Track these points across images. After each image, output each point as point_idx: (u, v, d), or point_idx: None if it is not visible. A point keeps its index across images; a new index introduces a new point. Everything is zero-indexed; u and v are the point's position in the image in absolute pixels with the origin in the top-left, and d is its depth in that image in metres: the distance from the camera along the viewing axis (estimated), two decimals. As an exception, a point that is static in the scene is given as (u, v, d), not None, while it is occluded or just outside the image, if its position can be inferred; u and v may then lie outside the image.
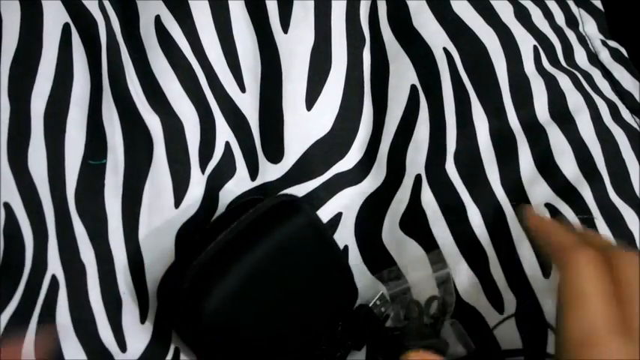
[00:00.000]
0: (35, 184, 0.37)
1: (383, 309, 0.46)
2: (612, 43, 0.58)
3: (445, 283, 0.46)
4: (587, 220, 0.45)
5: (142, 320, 0.42)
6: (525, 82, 0.49)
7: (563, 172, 0.47)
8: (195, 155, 0.45)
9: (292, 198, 0.44)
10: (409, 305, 0.45)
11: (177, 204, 0.44)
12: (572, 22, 0.57)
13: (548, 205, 0.46)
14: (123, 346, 0.40)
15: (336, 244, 0.46)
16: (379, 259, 0.49)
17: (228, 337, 0.38)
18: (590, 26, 0.58)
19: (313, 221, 0.44)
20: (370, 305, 0.46)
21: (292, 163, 0.49)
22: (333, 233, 0.50)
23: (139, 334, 0.41)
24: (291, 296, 0.41)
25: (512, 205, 0.46)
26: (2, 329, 0.34)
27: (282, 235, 0.41)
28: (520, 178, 0.47)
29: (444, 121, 0.49)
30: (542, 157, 0.47)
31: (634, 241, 0.45)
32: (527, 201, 0.47)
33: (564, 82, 0.50)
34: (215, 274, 0.38)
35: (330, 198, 0.50)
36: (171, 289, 0.38)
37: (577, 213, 0.46)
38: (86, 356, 0.38)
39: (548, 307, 0.44)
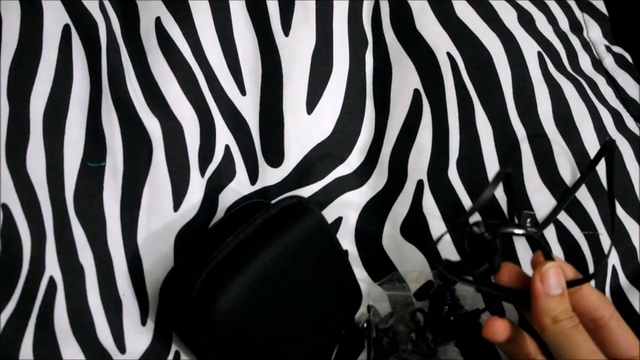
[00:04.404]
0: (34, 186, 0.37)
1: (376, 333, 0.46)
2: (616, 49, 0.57)
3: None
4: (592, 237, 0.45)
5: (143, 322, 0.41)
6: (529, 88, 0.48)
7: (568, 184, 0.46)
8: (194, 158, 0.45)
9: (301, 199, 0.44)
10: (411, 318, 0.45)
11: (176, 207, 0.44)
12: (577, 27, 0.56)
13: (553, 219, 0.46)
14: (122, 348, 0.40)
15: (341, 247, 0.46)
16: (379, 264, 0.49)
17: (238, 339, 0.38)
18: (594, 31, 0.58)
19: (321, 223, 0.44)
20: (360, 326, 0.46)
21: (292, 166, 0.48)
22: (334, 237, 0.50)
23: (139, 336, 0.41)
24: (300, 299, 0.41)
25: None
26: (0, 330, 0.34)
27: (292, 236, 0.41)
28: (524, 186, 0.46)
29: (447, 126, 0.48)
30: (545, 168, 0.47)
31: (636, 257, 0.45)
32: (529, 207, 0.46)
33: (568, 90, 0.49)
34: (227, 275, 0.38)
35: (330, 202, 0.49)
36: (180, 290, 0.38)
37: (582, 228, 0.45)
38: (85, 357, 0.37)
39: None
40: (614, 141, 0.45)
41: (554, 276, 0.35)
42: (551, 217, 0.45)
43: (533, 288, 0.35)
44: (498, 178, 0.33)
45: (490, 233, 0.34)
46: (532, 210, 0.46)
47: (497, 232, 0.34)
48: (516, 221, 0.45)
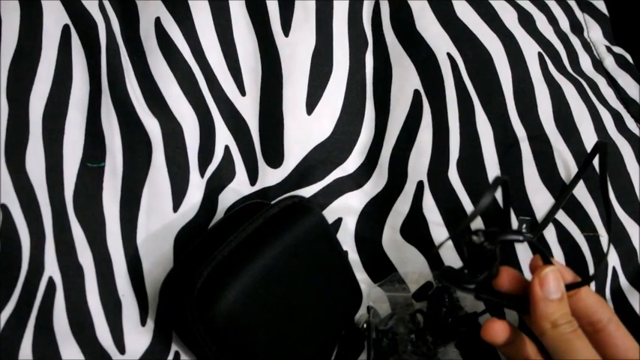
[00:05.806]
0: (33, 186, 0.37)
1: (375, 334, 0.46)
2: (617, 49, 0.57)
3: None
4: (593, 238, 0.44)
5: (143, 323, 0.41)
6: (529, 89, 0.48)
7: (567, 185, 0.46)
8: (194, 159, 0.45)
9: (302, 199, 0.44)
10: (411, 319, 0.45)
11: (175, 208, 0.43)
12: (577, 27, 0.56)
13: (553, 220, 0.46)
14: (122, 349, 0.40)
15: (341, 247, 0.46)
16: (379, 265, 0.49)
17: (239, 339, 0.38)
18: (594, 32, 0.58)
19: (322, 223, 0.44)
20: (360, 327, 0.46)
21: (292, 167, 0.48)
22: (333, 238, 0.49)
23: (138, 337, 0.41)
24: (300, 299, 0.41)
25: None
26: (0, 331, 0.34)
27: (293, 236, 0.41)
28: (524, 188, 0.46)
29: (447, 127, 0.48)
30: (546, 169, 0.47)
31: (636, 258, 0.45)
32: (529, 207, 0.46)
33: (569, 90, 0.49)
34: (228, 275, 0.38)
35: (330, 203, 0.49)
36: (181, 290, 0.38)
37: (582, 229, 0.45)
38: (84, 357, 0.37)
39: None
40: (606, 143, 0.45)
41: (554, 280, 0.35)
42: (546, 222, 0.45)
43: (533, 292, 0.35)
44: (495, 185, 0.33)
45: (489, 242, 0.34)
46: (530, 212, 0.46)
47: (495, 240, 0.34)
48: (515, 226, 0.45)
